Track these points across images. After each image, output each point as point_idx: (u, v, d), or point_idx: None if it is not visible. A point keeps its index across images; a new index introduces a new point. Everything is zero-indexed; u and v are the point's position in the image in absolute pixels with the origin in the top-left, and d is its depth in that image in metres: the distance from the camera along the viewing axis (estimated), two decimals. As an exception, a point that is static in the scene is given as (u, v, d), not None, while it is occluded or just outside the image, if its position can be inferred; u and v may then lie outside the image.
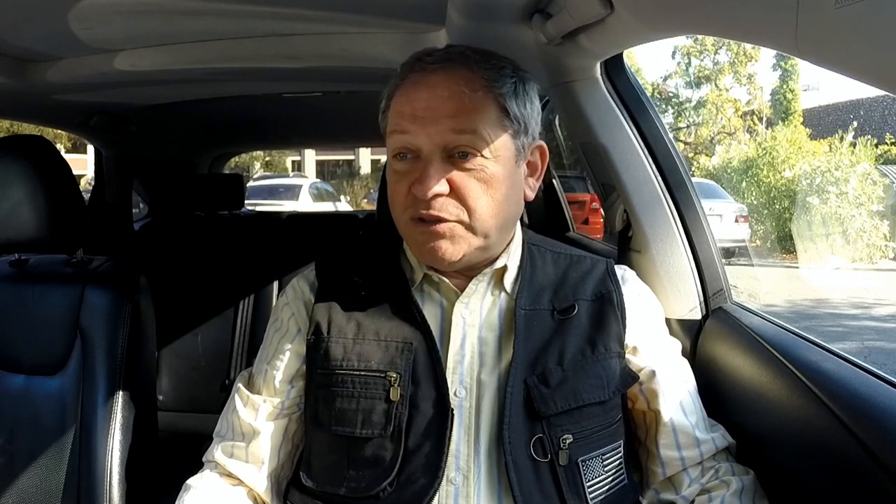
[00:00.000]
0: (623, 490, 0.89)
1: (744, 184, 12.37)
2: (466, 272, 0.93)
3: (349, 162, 24.96)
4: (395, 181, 0.88)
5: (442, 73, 0.86)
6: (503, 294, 0.94)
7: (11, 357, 1.21)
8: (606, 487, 0.87)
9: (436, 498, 0.83)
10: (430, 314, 0.92)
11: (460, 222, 0.85)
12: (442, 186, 0.84)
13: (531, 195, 0.94)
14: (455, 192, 0.85)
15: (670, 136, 1.22)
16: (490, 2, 1.04)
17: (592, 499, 0.85)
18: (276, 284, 2.27)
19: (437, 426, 0.85)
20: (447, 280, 0.92)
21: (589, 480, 0.86)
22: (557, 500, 0.84)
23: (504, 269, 0.94)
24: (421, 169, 0.85)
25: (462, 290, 0.92)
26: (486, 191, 0.85)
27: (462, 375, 0.88)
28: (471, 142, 0.84)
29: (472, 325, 0.91)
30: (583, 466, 0.85)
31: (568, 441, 0.85)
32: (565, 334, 0.90)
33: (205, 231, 2.45)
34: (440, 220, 0.85)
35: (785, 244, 10.82)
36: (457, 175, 0.85)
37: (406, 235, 0.91)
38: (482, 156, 0.85)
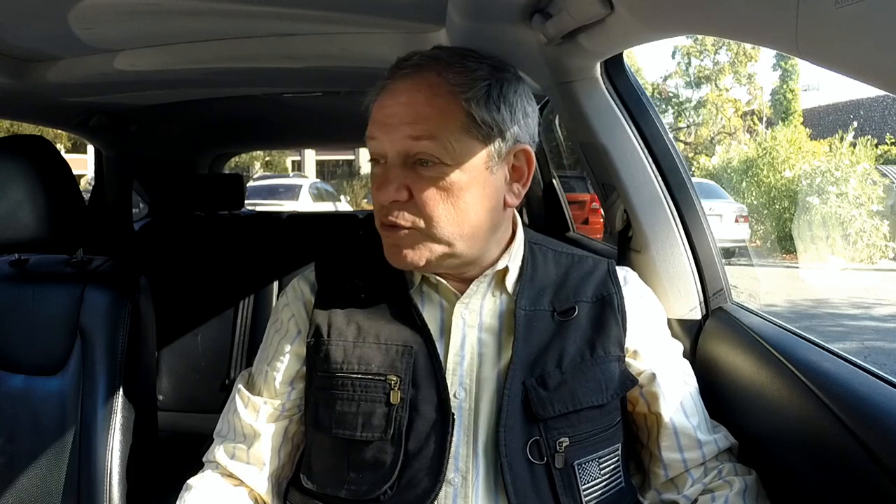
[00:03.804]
0: (620, 493, 0.89)
1: (744, 184, 12.38)
2: (459, 274, 0.92)
3: (349, 162, 24.95)
4: (373, 186, 0.90)
5: (408, 79, 0.86)
6: (504, 295, 0.93)
7: (11, 357, 1.21)
8: (602, 491, 0.87)
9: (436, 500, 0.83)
10: (430, 315, 0.92)
11: (416, 229, 0.85)
12: (399, 193, 0.84)
13: (514, 201, 0.92)
14: (414, 200, 0.85)
15: (670, 136, 1.22)
16: (490, 2, 1.04)
17: (587, 502, 0.85)
18: (276, 284, 2.27)
19: (438, 430, 0.85)
20: (445, 282, 0.92)
21: (584, 483, 0.85)
22: (552, 503, 0.84)
23: (505, 270, 0.93)
24: (382, 176, 0.86)
25: (460, 291, 0.92)
26: (446, 198, 0.84)
27: (462, 377, 0.88)
28: (429, 148, 0.83)
29: (472, 325, 0.91)
30: (579, 469, 0.85)
31: (564, 444, 0.85)
32: (565, 337, 0.90)
33: (205, 231, 2.45)
34: (397, 226, 0.85)
35: (785, 244, 10.82)
36: (416, 182, 0.84)
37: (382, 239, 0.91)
38: (443, 163, 0.83)
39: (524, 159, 0.91)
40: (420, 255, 0.86)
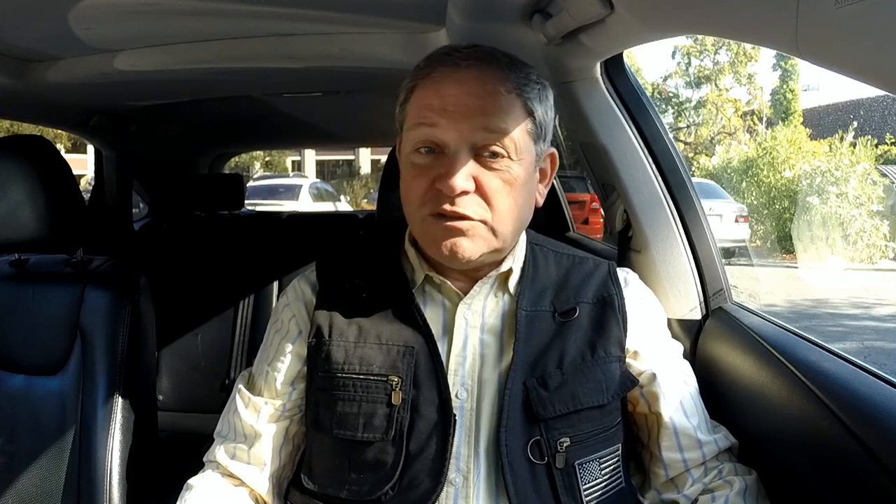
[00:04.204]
0: (620, 493, 0.89)
1: (744, 184, 12.39)
2: (470, 273, 0.92)
3: (349, 162, 24.96)
4: (414, 176, 0.86)
5: (474, 69, 0.84)
6: (506, 296, 0.93)
7: (11, 357, 1.21)
8: (602, 490, 0.87)
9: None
10: (432, 315, 0.92)
11: (483, 222, 0.84)
12: (469, 183, 0.82)
13: (541, 201, 0.93)
14: (480, 191, 0.83)
15: (670, 136, 1.22)
16: (490, 2, 1.04)
17: (588, 502, 0.85)
18: (276, 284, 2.27)
19: (439, 431, 0.85)
20: (448, 282, 0.92)
21: (585, 483, 0.85)
22: (553, 503, 0.84)
23: (509, 271, 0.93)
24: (447, 164, 0.82)
25: (463, 292, 0.92)
26: (509, 193, 0.84)
27: (463, 377, 0.88)
28: (501, 142, 0.83)
29: (475, 326, 0.91)
30: (579, 469, 0.85)
31: (565, 444, 0.85)
32: (565, 337, 0.90)
33: (205, 231, 2.45)
34: (464, 217, 0.83)
35: (785, 244, 10.83)
36: (483, 174, 0.83)
37: (422, 231, 0.88)
38: (509, 157, 0.84)
39: (549, 162, 0.94)
40: (477, 248, 0.85)
